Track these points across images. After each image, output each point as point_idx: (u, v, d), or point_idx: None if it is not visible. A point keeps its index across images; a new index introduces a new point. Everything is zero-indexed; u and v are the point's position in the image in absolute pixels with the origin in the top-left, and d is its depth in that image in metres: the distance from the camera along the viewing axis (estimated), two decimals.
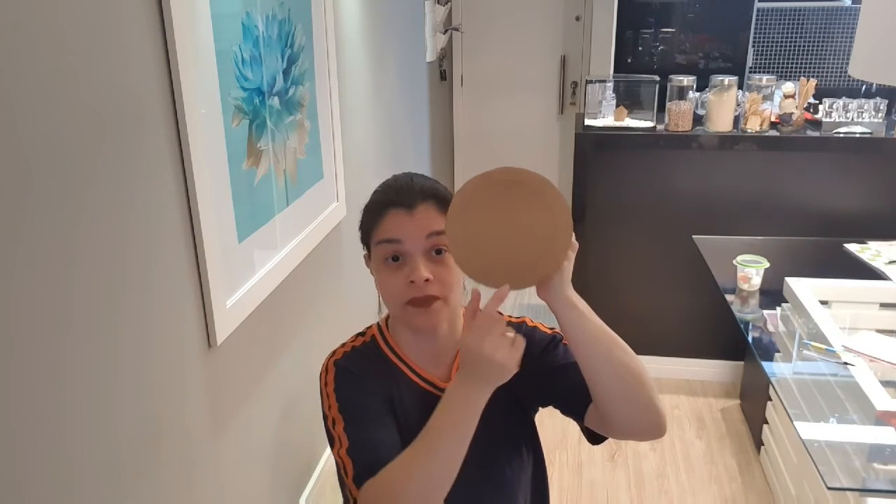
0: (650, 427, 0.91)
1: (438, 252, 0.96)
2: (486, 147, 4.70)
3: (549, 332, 1.07)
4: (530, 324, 1.09)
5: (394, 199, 0.98)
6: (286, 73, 1.67)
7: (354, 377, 1.00)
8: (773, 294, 2.08)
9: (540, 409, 1.10)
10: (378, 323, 1.09)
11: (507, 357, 0.83)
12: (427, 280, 0.94)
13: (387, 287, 0.98)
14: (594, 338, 0.88)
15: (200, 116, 1.25)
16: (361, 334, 1.09)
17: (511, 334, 0.84)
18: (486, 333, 0.82)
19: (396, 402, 1.01)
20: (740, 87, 2.92)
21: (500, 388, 0.90)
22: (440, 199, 0.99)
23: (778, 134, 2.81)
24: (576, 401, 0.98)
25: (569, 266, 0.87)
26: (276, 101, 1.60)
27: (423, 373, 1.03)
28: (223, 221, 1.37)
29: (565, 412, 1.03)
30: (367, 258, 1.04)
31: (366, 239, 1.02)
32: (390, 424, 0.96)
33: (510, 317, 1.07)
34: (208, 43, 1.29)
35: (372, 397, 0.98)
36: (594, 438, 1.02)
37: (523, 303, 4.08)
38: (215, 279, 1.32)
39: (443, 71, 4.16)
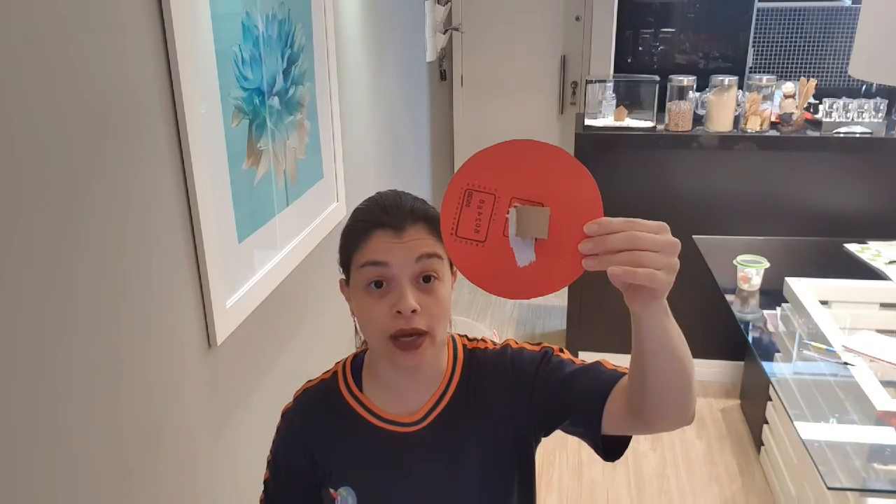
0: (690, 414, 0.84)
1: (427, 279, 0.88)
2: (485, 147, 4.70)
3: (536, 349, 1.00)
4: (515, 346, 1.02)
5: (381, 218, 0.89)
6: (286, 73, 1.67)
7: (293, 437, 1.03)
8: (773, 294, 2.08)
9: (543, 438, 1.03)
10: (347, 358, 1.05)
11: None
12: (414, 311, 0.86)
13: (369, 316, 0.89)
14: (668, 335, 0.76)
15: (200, 116, 1.25)
16: (329, 371, 1.05)
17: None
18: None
19: (343, 448, 0.99)
20: (740, 87, 2.92)
21: (491, 447, 0.96)
22: (432, 220, 0.90)
23: (778, 134, 2.81)
24: (589, 406, 0.91)
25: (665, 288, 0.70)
26: (276, 101, 1.60)
27: (384, 413, 0.97)
28: (223, 221, 1.37)
29: (577, 423, 0.95)
30: (344, 284, 0.96)
31: (346, 262, 0.94)
32: (300, 494, 1.04)
33: (493, 342, 1.03)
34: (208, 43, 1.29)
35: (297, 475, 1.03)
36: (611, 452, 0.95)
37: (523, 303, 4.08)
38: (215, 279, 1.32)
39: (443, 71, 4.16)
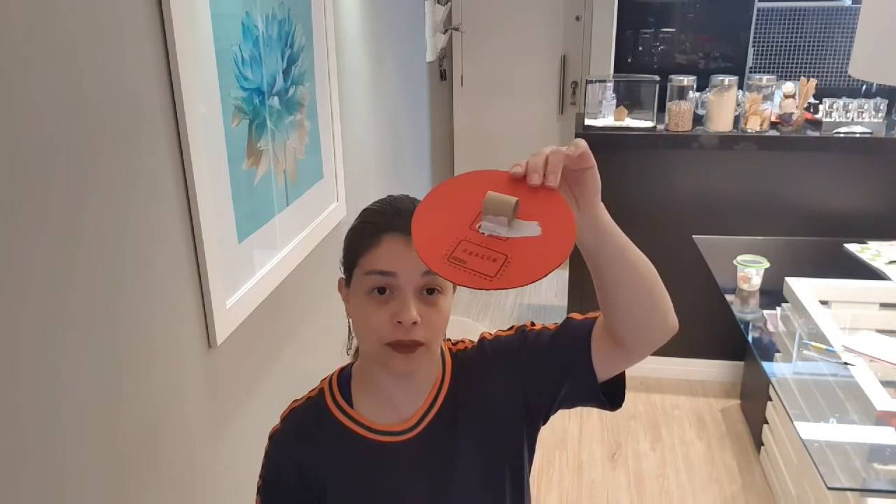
0: (670, 320, 0.86)
1: (430, 292, 0.88)
2: (486, 147, 4.70)
3: (511, 333, 1.01)
4: (490, 337, 1.02)
5: (393, 222, 0.88)
6: (286, 73, 1.67)
7: (283, 459, 1.00)
8: (773, 294, 2.08)
9: (544, 417, 1.02)
10: (332, 374, 1.03)
11: None
12: (415, 323, 0.86)
13: (368, 322, 0.88)
14: (619, 252, 0.82)
15: (200, 116, 1.25)
16: (315, 389, 1.04)
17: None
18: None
19: (335, 464, 0.98)
20: (740, 87, 2.92)
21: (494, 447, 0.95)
22: None
23: (778, 134, 2.81)
24: (578, 360, 0.91)
25: (592, 177, 0.79)
26: (275, 101, 1.60)
27: (374, 424, 0.96)
28: (223, 221, 1.37)
29: (574, 384, 0.94)
30: (343, 284, 0.95)
31: (350, 264, 0.92)
32: None
33: (470, 341, 1.03)
34: (208, 43, 1.29)
35: (290, 498, 0.99)
36: (613, 399, 0.95)
37: (523, 302, 4.08)
38: (215, 279, 1.32)
39: (443, 71, 4.17)
